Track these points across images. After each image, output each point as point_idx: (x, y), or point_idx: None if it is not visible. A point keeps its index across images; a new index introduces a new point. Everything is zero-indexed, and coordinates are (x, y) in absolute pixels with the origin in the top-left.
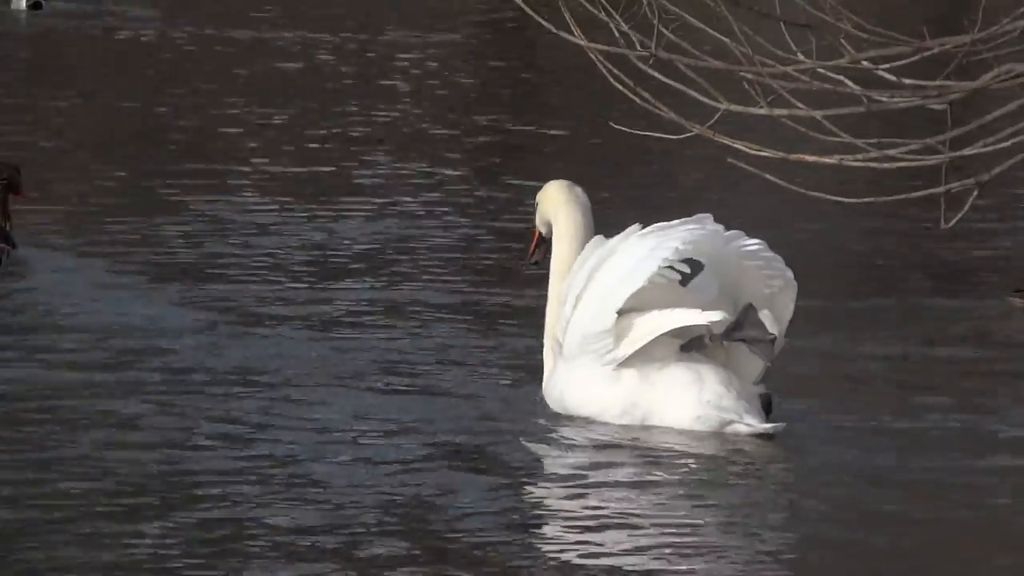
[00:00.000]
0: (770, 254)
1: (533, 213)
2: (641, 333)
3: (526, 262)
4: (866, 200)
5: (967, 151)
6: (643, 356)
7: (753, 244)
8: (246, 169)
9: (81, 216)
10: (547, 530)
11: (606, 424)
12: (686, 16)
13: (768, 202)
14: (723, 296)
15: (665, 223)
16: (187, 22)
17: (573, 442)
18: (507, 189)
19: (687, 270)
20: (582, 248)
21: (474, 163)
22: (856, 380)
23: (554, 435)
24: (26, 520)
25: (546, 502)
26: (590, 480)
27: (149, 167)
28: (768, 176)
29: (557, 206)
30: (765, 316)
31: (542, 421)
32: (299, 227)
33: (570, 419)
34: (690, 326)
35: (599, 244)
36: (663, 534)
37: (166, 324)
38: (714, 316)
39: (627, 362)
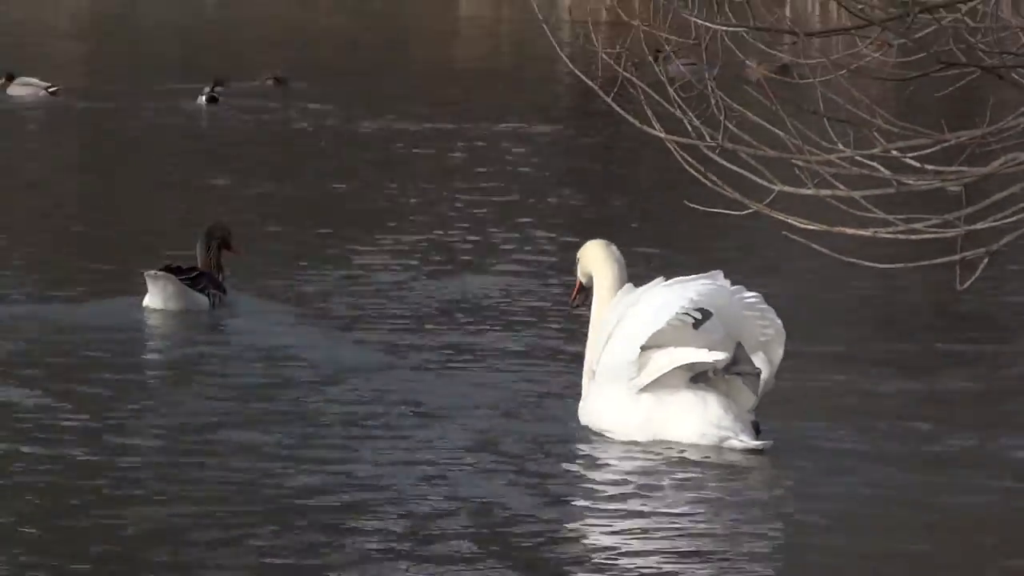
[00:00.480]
0: (764, 306)
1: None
2: (659, 365)
3: (569, 306)
4: (895, 266)
5: (979, 225)
6: (659, 384)
7: (751, 297)
8: (385, 236)
9: (271, 271)
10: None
11: (629, 441)
12: (747, 113)
13: (806, 265)
14: (727, 339)
15: (683, 277)
16: (338, 114)
17: (604, 456)
18: None
19: (699, 316)
20: (615, 295)
21: (567, 232)
22: (865, 411)
23: (593, 451)
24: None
25: (579, 507)
26: (617, 490)
27: (318, 233)
28: (814, 245)
29: (595, 261)
30: (758, 357)
31: (588, 440)
32: (425, 283)
33: (601, 436)
34: (699, 362)
35: (629, 292)
36: (676, 536)
37: (330, 358)
38: (718, 356)
39: (646, 388)
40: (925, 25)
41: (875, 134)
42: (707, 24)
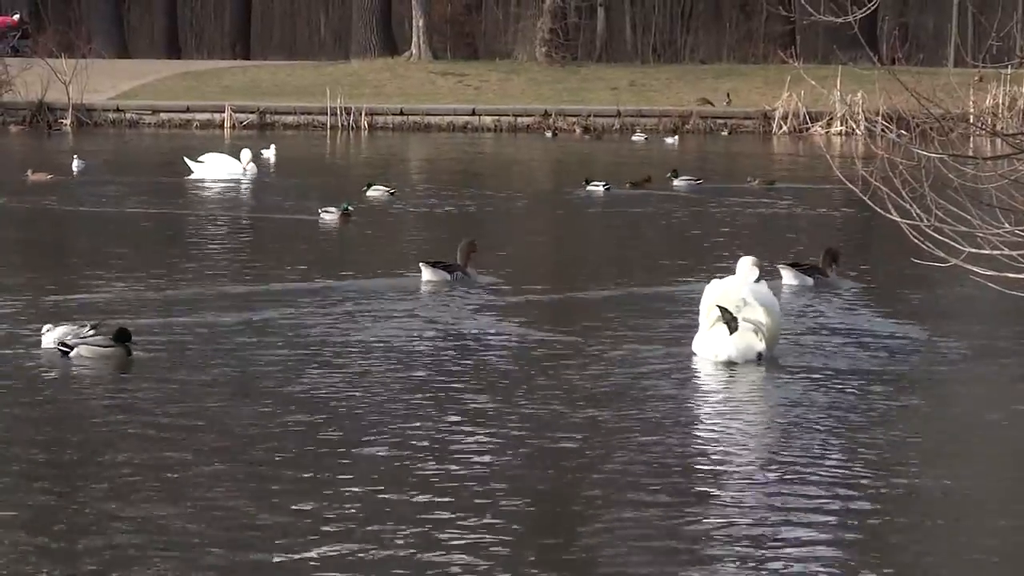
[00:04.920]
0: (766, 292)
1: None
2: (711, 319)
3: None
4: None
5: None
6: (712, 328)
7: (762, 287)
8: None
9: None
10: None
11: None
12: (948, 205)
13: (969, 298)
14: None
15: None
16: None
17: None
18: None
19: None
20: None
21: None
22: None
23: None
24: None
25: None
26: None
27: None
28: (990, 284)
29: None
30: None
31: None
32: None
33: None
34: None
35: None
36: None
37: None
38: (732, 320)
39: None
40: None
41: None
42: (924, 153)
